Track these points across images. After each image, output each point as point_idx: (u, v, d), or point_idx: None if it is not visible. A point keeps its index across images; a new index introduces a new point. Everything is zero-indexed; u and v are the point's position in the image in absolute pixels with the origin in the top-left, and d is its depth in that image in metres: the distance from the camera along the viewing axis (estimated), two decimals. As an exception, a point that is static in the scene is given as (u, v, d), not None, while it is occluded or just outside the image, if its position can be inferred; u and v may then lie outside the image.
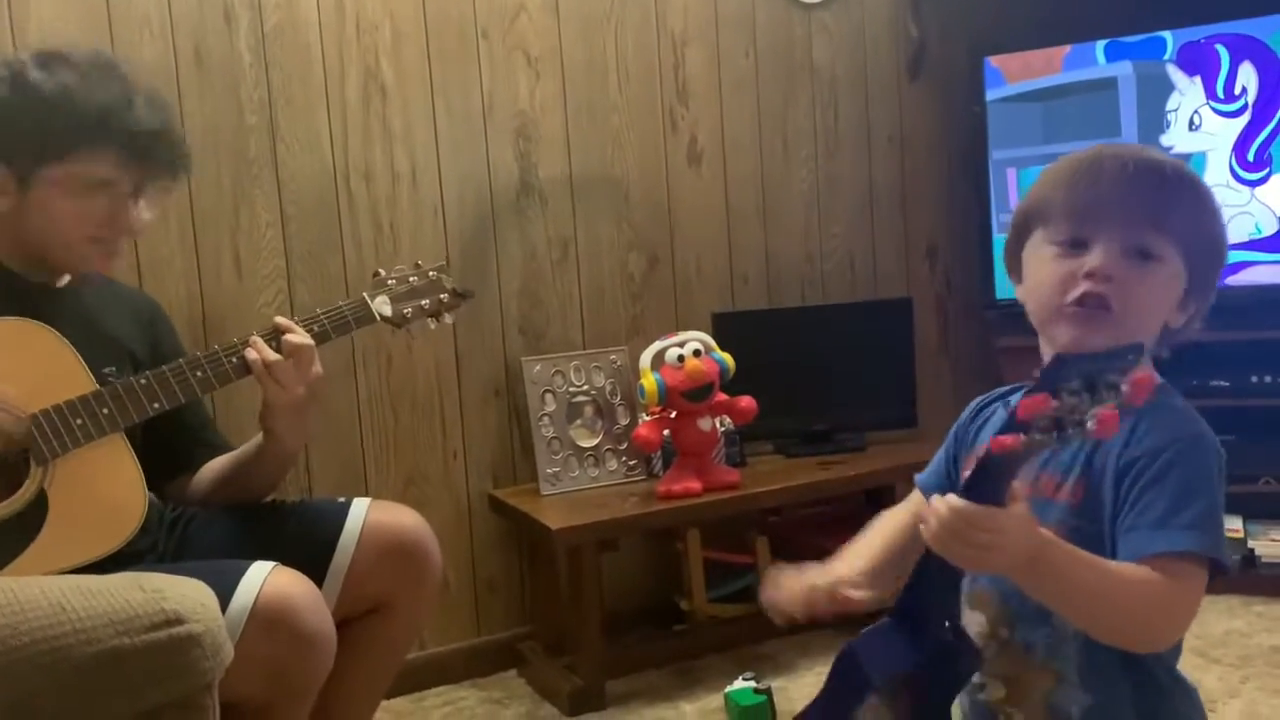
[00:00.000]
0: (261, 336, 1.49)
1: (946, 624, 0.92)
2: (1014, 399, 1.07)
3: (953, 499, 0.83)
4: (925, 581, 0.90)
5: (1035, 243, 1.02)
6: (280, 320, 1.51)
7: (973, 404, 1.14)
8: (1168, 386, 1.00)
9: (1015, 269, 1.07)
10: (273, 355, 1.46)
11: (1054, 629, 0.94)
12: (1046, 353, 1.03)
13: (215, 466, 1.63)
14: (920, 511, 0.87)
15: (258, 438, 1.57)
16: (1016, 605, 0.94)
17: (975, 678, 0.99)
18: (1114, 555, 0.92)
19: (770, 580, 1.07)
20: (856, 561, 1.07)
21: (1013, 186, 2.81)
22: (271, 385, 1.47)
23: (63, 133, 1.38)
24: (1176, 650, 0.94)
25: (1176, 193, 0.98)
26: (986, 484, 0.82)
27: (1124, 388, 0.74)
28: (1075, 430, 0.76)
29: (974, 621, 0.99)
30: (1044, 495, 0.96)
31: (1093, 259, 0.95)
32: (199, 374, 1.46)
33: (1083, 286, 0.95)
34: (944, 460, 1.13)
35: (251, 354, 1.47)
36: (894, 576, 1.05)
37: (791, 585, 1.04)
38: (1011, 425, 0.78)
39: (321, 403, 1.80)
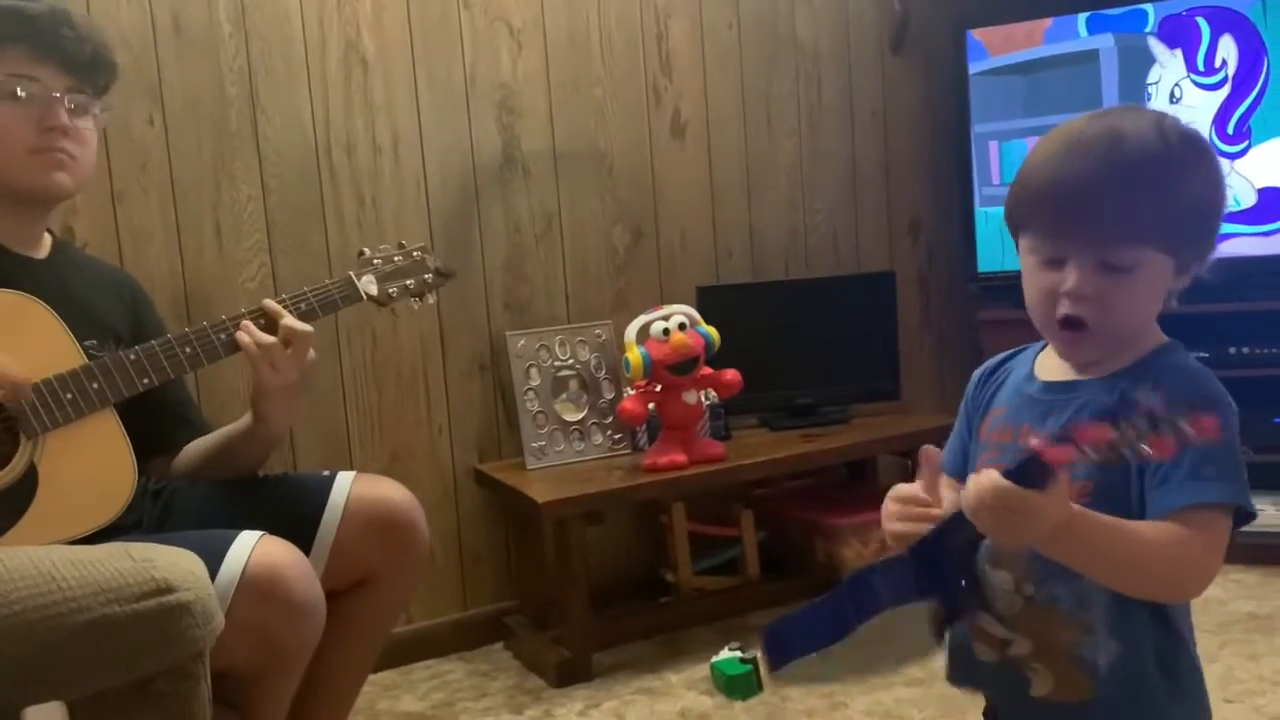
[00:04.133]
0: (249, 317, 1.47)
1: (963, 583, 0.94)
2: (1025, 355, 1.09)
3: (998, 479, 0.85)
4: (953, 532, 0.92)
5: (1023, 247, 1.03)
6: (270, 305, 1.48)
7: (977, 373, 1.14)
8: (1177, 344, 1.02)
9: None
10: (264, 337, 1.45)
11: (1081, 583, 0.95)
12: None
13: (200, 445, 1.62)
14: (971, 477, 0.89)
15: (246, 417, 1.55)
16: (1041, 562, 0.95)
17: (1000, 632, 1.01)
18: (1140, 506, 0.95)
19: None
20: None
21: (995, 160, 2.82)
22: (265, 368, 1.45)
23: None
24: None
25: (1146, 184, 0.95)
26: (1029, 476, 0.85)
27: (1187, 429, 0.79)
28: (1130, 454, 0.81)
29: (999, 579, 1.00)
30: None
31: (1068, 281, 0.96)
32: (188, 350, 1.45)
33: (1063, 308, 0.98)
34: (959, 441, 1.13)
35: (243, 337, 1.45)
36: None
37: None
38: (1066, 438, 0.83)
39: (311, 385, 1.80)
